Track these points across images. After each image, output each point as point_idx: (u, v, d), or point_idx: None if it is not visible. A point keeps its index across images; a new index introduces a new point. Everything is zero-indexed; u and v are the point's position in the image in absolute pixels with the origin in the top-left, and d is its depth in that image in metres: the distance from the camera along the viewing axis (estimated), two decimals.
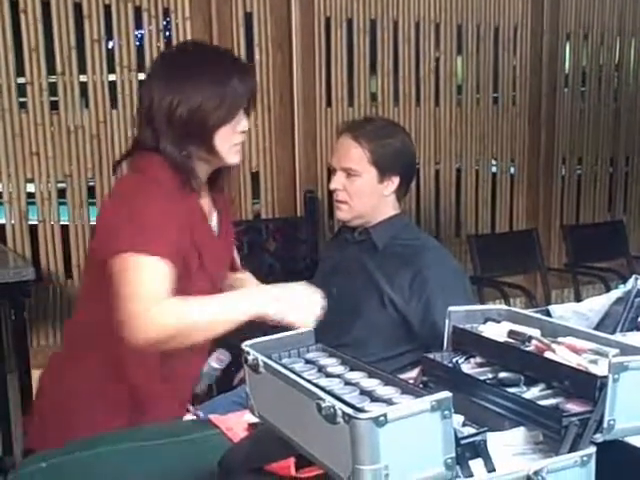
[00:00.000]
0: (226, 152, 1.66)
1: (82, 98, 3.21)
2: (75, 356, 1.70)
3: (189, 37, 3.31)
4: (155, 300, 1.48)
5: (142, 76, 3.27)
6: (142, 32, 3.27)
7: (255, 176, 3.57)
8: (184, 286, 1.57)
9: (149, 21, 3.24)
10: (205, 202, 1.72)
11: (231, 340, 2.33)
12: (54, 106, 3.17)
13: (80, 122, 3.18)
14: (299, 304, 1.59)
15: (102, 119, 3.21)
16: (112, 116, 3.23)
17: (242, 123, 1.68)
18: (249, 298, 1.60)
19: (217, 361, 1.89)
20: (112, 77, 3.23)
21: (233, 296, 1.63)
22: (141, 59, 3.26)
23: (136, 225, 1.54)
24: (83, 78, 3.19)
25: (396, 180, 2.15)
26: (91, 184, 3.27)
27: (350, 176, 2.12)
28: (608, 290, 1.64)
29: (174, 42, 3.31)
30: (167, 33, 3.39)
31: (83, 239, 3.24)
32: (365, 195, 2.13)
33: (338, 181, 2.14)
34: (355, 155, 2.11)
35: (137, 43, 3.28)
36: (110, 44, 3.27)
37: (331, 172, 2.23)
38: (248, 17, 3.44)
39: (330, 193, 3.62)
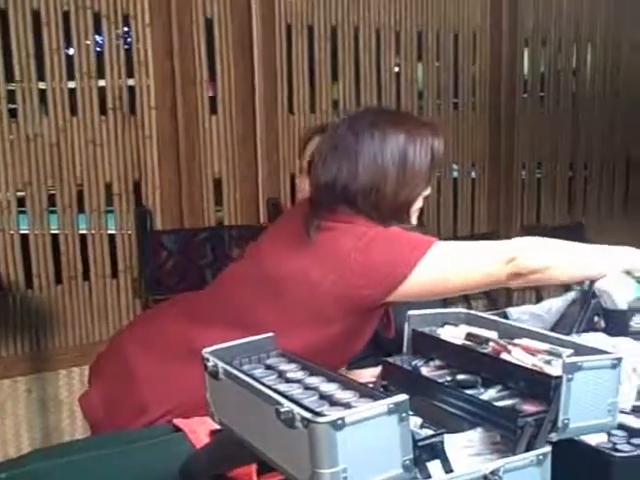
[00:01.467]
0: (413, 218, 1.70)
1: (41, 105, 3.17)
2: None
3: (149, 43, 3.29)
4: (490, 252, 1.60)
5: (102, 83, 3.25)
6: (102, 39, 3.25)
7: (217, 183, 3.56)
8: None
9: (109, 28, 3.22)
10: None
11: None
12: (13, 114, 3.12)
13: (39, 130, 3.14)
14: None
15: (62, 127, 3.17)
16: (72, 124, 3.19)
17: (428, 188, 1.70)
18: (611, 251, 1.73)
19: None
20: (72, 84, 3.20)
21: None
22: (101, 66, 3.24)
23: (405, 241, 1.59)
24: (42, 85, 3.15)
25: None
26: (52, 192, 3.23)
27: None
28: (568, 291, 1.67)
29: (134, 49, 3.30)
30: (128, 39, 3.38)
31: (43, 248, 3.20)
32: None
33: None
34: None
35: (97, 49, 3.26)
36: (70, 51, 3.24)
37: (302, 174, 2.19)
38: (209, 23, 3.43)
39: (293, 200, 3.65)
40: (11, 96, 3.11)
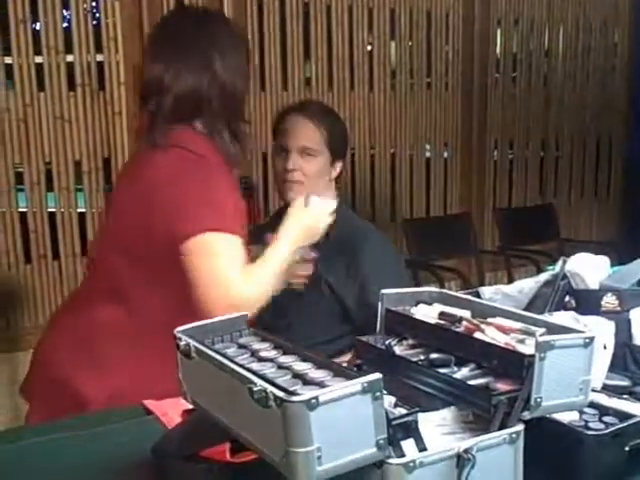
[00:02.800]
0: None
1: (8, 81, 3.11)
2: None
3: (118, 18, 3.24)
4: (239, 277, 1.55)
5: (70, 58, 3.19)
6: (69, 13, 3.19)
7: None
8: None
9: (76, 2, 3.16)
10: None
11: None
12: None
13: (6, 105, 3.08)
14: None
15: (29, 102, 3.12)
16: (39, 99, 3.14)
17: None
18: (292, 240, 1.70)
19: None
20: (39, 59, 3.14)
21: (281, 245, 1.69)
22: (69, 41, 3.18)
23: (208, 206, 1.55)
24: (8, 60, 3.10)
25: (339, 165, 2.17)
26: (19, 170, 3.18)
27: (306, 156, 2.09)
28: (540, 272, 1.67)
29: (103, 24, 3.24)
30: (96, 14, 3.32)
31: (12, 226, 3.15)
32: (319, 176, 2.12)
33: (295, 162, 2.09)
34: (314, 135, 2.09)
35: (65, 24, 3.20)
36: (37, 25, 3.18)
37: (277, 152, 2.16)
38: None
39: (265, 179, 3.63)
40: None
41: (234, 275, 1.55)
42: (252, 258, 1.73)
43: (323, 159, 2.11)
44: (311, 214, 1.75)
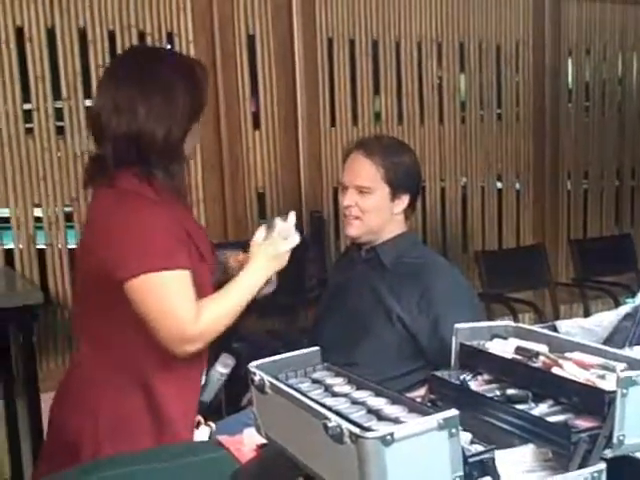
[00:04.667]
0: (190, 155, 1.74)
1: (88, 123, 3.22)
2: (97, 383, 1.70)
3: None
4: (192, 314, 1.60)
5: None
6: None
7: (261, 196, 3.58)
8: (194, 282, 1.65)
9: (153, 45, 3.26)
10: None
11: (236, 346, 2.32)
12: (60, 131, 3.18)
13: (86, 146, 3.18)
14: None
15: None
16: None
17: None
18: (254, 277, 1.75)
19: (223, 366, 1.84)
20: None
21: (245, 278, 1.74)
22: None
23: (146, 245, 1.58)
24: (89, 103, 3.21)
25: (406, 199, 2.16)
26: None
27: (363, 193, 2.12)
28: (617, 304, 1.63)
29: None
30: None
31: None
32: (377, 212, 2.13)
33: (351, 198, 2.13)
34: (369, 173, 2.11)
35: None
36: None
37: (341, 189, 2.21)
38: (251, 39, 3.46)
39: (336, 213, 3.65)
40: (59, 114, 3.17)
41: (181, 312, 1.59)
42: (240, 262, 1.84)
43: (380, 195, 2.12)
44: (272, 241, 1.79)
